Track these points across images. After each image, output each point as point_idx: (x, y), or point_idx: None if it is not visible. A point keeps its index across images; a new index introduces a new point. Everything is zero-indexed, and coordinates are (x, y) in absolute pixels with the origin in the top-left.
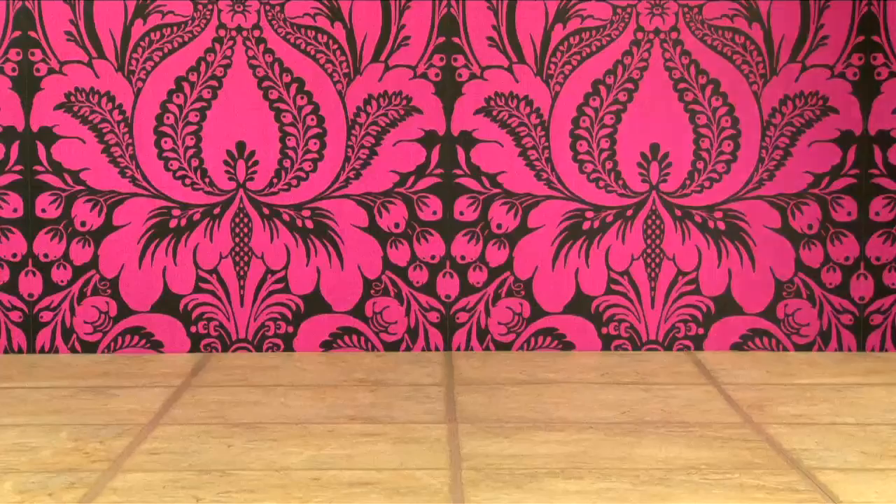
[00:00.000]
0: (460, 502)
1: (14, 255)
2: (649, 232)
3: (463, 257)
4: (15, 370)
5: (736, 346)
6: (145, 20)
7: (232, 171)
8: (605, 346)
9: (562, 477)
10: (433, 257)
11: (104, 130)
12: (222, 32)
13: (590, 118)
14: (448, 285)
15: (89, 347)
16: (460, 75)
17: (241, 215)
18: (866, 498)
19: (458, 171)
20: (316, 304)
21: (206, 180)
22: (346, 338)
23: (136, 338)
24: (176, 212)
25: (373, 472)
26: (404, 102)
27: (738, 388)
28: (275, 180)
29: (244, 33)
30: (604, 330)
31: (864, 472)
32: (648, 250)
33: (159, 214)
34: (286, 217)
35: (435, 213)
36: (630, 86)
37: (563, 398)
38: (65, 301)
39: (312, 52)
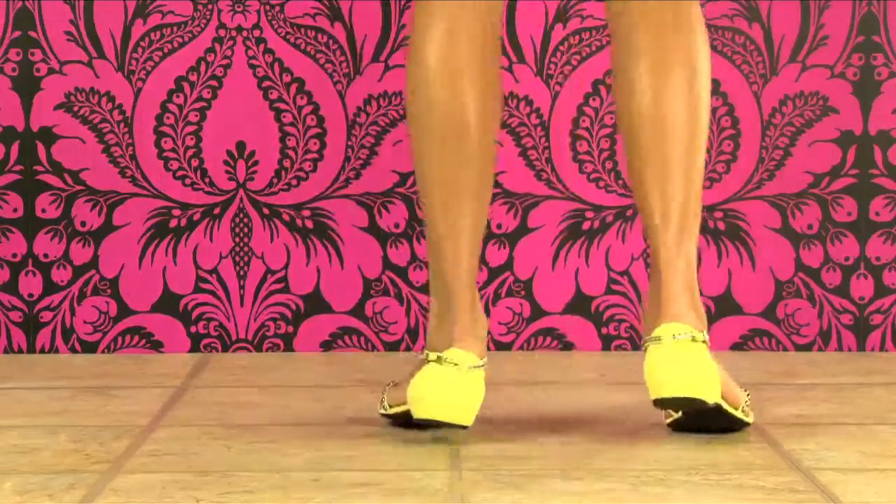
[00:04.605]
0: (460, 503)
1: (14, 255)
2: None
3: None
4: (15, 370)
5: (736, 346)
6: (145, 20)
7: (232, 171)
8: (605, 346)
9: (561, 477)
10: None
11: (104, 130)
12: (222, 32)
13: (590, 118)
14: None
15: (89, 347)
16: None
17: (241, 215)
18: (866, 498)
19: None
20: (316, 304)
21: (206, 180)
22: (346, 338)
23: (136, 338)
24: (176, 212)
25: (373, 472)
26: (405, 102)
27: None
28: (275, 180)
29: (244, 33)
30: (604, 330)
31: (864, 472)
32: (649, 250)
33: (159, 214)
34: (286, 217)
35: None
36: None
37: (563, 399)
38: (65, 301)
39: (312, 52)
